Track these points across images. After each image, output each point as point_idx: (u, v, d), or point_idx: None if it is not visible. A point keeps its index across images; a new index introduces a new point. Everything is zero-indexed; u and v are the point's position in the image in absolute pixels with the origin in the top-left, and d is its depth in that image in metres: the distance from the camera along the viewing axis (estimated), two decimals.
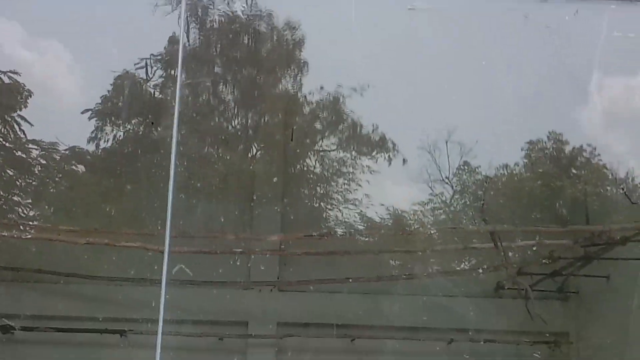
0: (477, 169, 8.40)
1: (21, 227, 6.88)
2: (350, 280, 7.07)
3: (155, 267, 7.08)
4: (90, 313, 7.20)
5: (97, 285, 7.26)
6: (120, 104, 8.21)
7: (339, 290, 7.38)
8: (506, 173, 8.57)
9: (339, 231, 7.48)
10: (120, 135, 8.25)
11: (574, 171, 8.29)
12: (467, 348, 7.38)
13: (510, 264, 6.46)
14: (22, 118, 8.01)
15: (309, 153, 8.51)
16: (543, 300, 7.32)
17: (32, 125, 7.99)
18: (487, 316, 7.39)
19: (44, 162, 8.19)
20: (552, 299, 7.43)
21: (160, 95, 8.24)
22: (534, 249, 6.62)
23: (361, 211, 8.24)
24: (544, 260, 6.53)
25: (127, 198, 8.01)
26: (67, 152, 8.20)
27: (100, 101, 8.16)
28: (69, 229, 6.35)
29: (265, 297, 7.43)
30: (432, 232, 7.31)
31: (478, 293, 7.47)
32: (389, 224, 8.26)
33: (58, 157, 8.26)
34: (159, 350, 4.24)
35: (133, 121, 8.26)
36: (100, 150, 8.22)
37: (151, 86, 8.12)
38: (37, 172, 8.19)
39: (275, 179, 7.81)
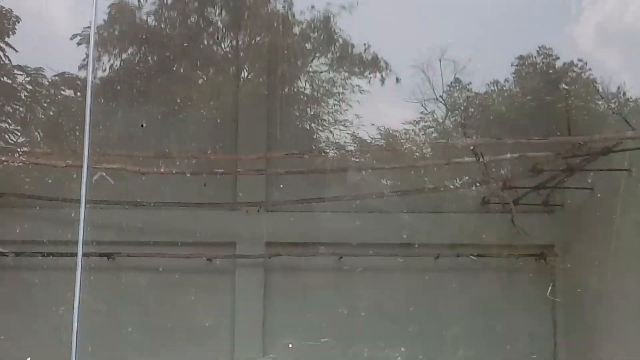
0: (467, 86, 8.31)
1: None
2: (339, 198, 7.12)
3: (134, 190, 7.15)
4: (76, 237, 7.23)
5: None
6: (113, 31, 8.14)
7: (326, 210, 7.40)
8: (496, 89, 8.48)
9: (328, 151, 7.42)
10: (112, 62, 8.17)
11: (564, 86, 8.19)
12: (454, 263, 7.45)
13: (492, 178, 6.44)
14: (7, 44, 7.93)
15: (300, 74, 8.42)
16: (529, 214, 7.35)
17: (16, 51, 7.92)
18: (473, 231, 7.42)
19: (30, 87, 8.17)
20: (538, 212, 7.44)
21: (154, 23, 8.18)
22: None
23: (353, 132, 8.21)
24: (528, 173, 6.51)
25: (117, 122, 7.98)
26: (56, 77, 8.15)
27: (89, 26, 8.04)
28: (45, 151, 6.33)
29: (253, 218, 7.46)
30: (416, 148, 7.25)
31: (465, 209, 7.47)
32: (380, 143, 8.23)
33: (47, 83, 8.22)
34: (79, 272, 4.21)
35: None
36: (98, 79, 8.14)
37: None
38: (23, 97, 8.15)
39: (261, 100, 7.76)
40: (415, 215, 7.52)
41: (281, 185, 7.50)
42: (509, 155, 6.38)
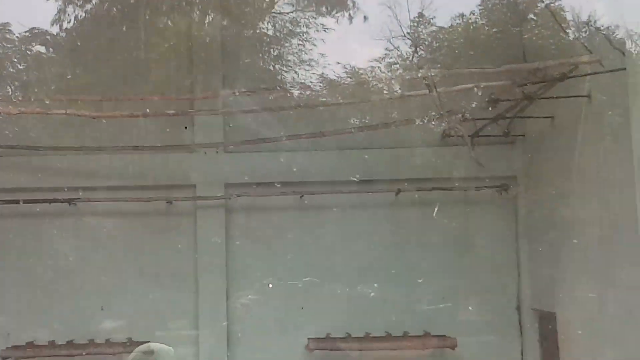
0: (431, 20, 8.16)
1: None
2: (298, 136, 7.05)
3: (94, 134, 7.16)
4: (38, 184, 7.30)
5: (45, 156, 7.33)
6: None
7: (285, 149, 7.36)
8: (462, 23, 8.31)
9: (279, 87, 7.35)
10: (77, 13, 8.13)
11: (531, 17, 8.00)
12: (416, 198, 7.39)
13: (447, 111, 6.31)
14: None
15: (263, 16, 8.34)
16: (491, 146, 7.27)
17: None
18: (435, 165, 7.34)
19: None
20: (500, 144, 7.35)
21: None
22: (479, 94, 6.45)
23: (323, 73, 8.11)
24: (485, 103, 6.36)
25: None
26: (27, 33, 8.14)
27: None
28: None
29: (212, 159, 7.45)
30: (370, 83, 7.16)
31: (425, 143, 7.38)
32: (346, 81, 8.13)
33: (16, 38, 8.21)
34: None
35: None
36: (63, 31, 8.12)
37: None
38: None
39: (215, 42, 7.68)
40: (376, 152, 7.46)
41: (231, 125, 7.46)
42: (462, 86, 6.24)
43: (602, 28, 7.59)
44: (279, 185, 7.23)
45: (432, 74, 6.40)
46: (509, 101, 6.59)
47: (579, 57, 6.00)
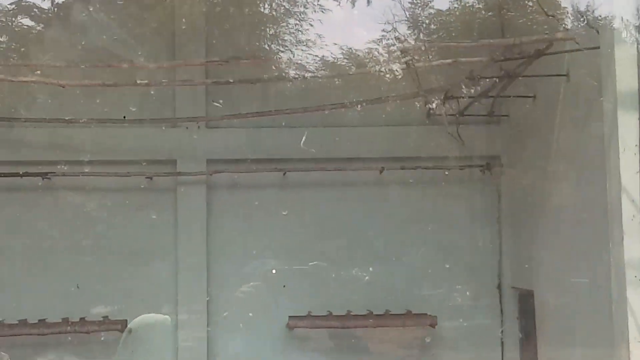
0: (429, 3, 8.08)
1: None
2: (282, 112, 6.92)
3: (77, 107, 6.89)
4: (10, 157, 7.00)
5: (17, 128, 7.02)
6: None
7: (269, 125, 7.23)
8: (459, 6, 8.28)
9: (262, 55, 7.18)
10: None
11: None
12: (400, 176, 7.37)
13: (427, 89, 6.27)
14: None
15: None
16: (475, 125, 7.30)
17: None
18: (419, 143, 7.32)
19: None
20: (484, 124, 7.38)
21: None
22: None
23: (323, 55, 7.96)
24: (466, 82, 6.33)
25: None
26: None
27: None
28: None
29: (193, 134, 7.26)
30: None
31: (410, 121, 7.35)
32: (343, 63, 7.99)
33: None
34: None
35: None
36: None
37: None
38: None
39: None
40: (360, 129, 7.40)
41: (221, 101, 7.28)
42: (440, 61, 6.16)
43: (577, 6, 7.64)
44: (266, 167, 7.06)
45: (409, 45, 6.36)
46: (489, 79, 6.57)
47: (554, 33, 5.99)
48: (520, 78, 6.34)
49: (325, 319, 7.27)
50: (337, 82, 7.33)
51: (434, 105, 6.62)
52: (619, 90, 4.61)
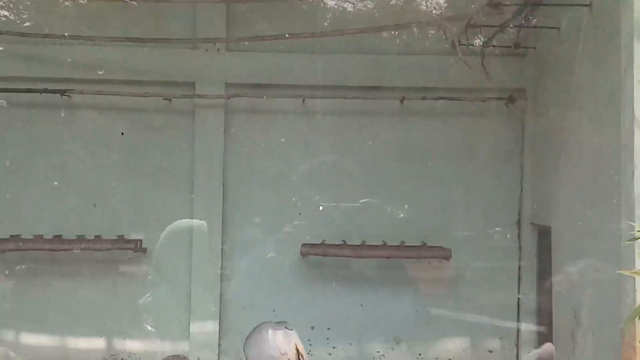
0: None
1: None
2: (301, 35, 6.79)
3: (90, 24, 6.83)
4: (29, 73, 7.00)
5: (37, 45, 7.01)
6: None
7: (289, 50, 7.10)
8: None
9: None
10: None
11: None
12: (422, 106, 7.21)
13: (448, 17, 6.04)
14: None
15: None
16: (501, 57, 7.07)
17: None
18: (442, 74, 7.12)
19: None
20: (511, 56, 7.13)
21: None
22: None
23: None
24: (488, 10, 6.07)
25: None
26: None
27: None
28: None
29: (213, 57, 7.16)
30: None
31: (434, 50, 7.14)
32: None
33: None
34: None
35: None
36: None
37: None
38: None
39: None
40: (382, 57, 7.23)
41: (240, 28, 7.16)
42: None
43: None
44: (285, 93, 6.92)
45: None
46: (511, 6, 6.30)
47: None
48: (544, 7, 6.07)
49: (339, 248, 7.22)
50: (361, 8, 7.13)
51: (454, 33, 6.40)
52: (637, 19, 4.38)
